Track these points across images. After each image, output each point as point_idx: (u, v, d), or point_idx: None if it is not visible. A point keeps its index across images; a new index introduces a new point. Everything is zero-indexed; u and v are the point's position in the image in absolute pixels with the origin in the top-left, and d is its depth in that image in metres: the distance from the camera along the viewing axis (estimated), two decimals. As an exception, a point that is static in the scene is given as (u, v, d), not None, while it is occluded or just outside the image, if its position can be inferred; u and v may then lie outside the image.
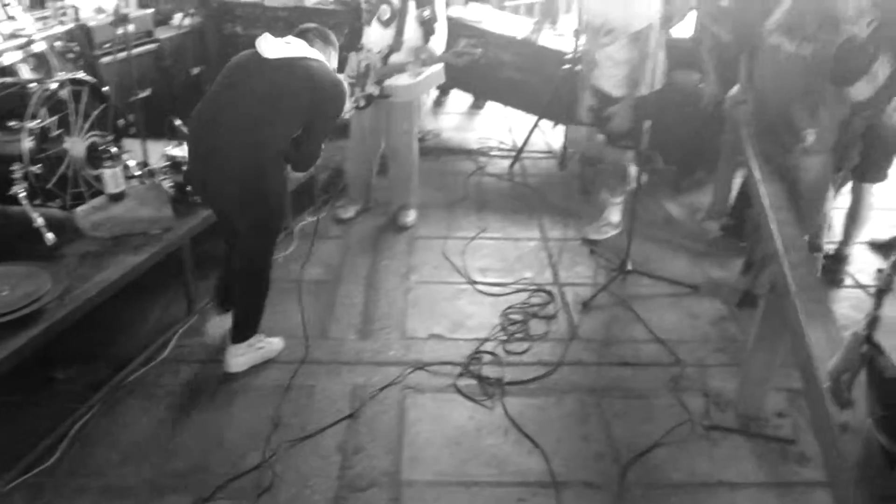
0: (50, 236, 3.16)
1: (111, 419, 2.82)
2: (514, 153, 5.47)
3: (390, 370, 3.16)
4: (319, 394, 3.01)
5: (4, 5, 3.78)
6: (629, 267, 3.85)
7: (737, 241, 4.17)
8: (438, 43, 3.97)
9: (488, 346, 3.34)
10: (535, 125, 5.41)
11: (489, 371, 3.18)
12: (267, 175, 2.87)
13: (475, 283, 3.87)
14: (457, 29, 5.48)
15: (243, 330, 3.08)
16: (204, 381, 3.06)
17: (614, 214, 4.35)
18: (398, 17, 3.89)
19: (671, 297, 3.77)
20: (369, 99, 4.01)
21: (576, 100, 4.40)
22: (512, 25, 5.55)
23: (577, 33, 4.81)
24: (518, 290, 3.80)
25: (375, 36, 3.97)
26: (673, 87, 4.81)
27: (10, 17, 3.78)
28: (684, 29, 5.28)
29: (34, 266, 2.91)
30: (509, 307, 3.64)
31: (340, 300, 3.68)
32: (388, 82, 3.98)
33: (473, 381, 3.11)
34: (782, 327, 2.55)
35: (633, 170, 4.07)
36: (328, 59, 3.05)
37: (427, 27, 3.93)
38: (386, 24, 3.93)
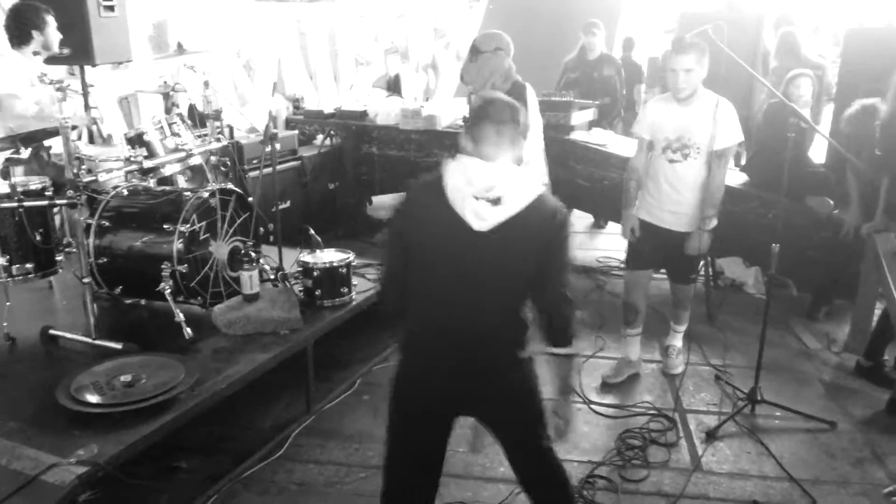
0: (188, 331, 3.40)
1: (225, 512, 2.89)
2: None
3: (499, 487, 3.07)
4: None
5: (171, 124, 4.24)
6: (759, 397, 3.62)
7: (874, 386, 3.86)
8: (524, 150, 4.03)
9: (603, 471, 3.19)
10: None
11: (603, 498, 3.02)
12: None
13: (591, 402, 3.76)
14: (580, 151, 5.66)
15: None
16: (315, 483, 3.08)
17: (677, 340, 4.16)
18: None
19: (805, 433, 3.49)
20: None
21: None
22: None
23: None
24: (636, 414, 3.64)
25: None
26: (807, 213, 4.68)
27: (175, 134, 4.22)
28: (819, 154, 5.18)
29: (171, 358, 3.12)
30: (626, 431, 3.48)
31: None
32: None
33: (585, 506, 2.97)
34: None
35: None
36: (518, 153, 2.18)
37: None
38: None
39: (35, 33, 4.08)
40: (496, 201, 2.01)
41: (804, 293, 4.86)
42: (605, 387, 3.96)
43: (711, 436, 3.44)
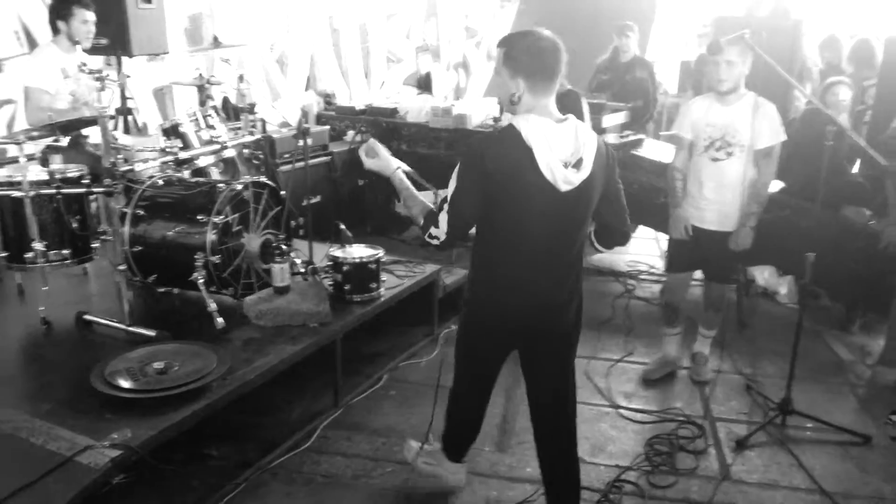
0: (220, 321, 3.42)
1: (254, 499, 2.90)
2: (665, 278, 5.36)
3: (525, 487, 3.05)
4: (452, 502, 2.95)
5: (205, 116, 4.28)
6: (791, 407, 3.57)
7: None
8: None
9: (630, 476, 3.16)
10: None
11: (629, 502, 3.00)
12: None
13: (619, 407, 3.73)
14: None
15: None
16: (342, 476, 3.09)
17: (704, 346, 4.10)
18: None
19: (838, 446, 3.43)
20: None
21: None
22: (666, 153, 5.58)
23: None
24: (665, 420, 3.61)
25: None
26: (842, 223, 4.61)
27: (210, 127, 4.26)
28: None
29: (203, 346, 3.14)
30: (655, 436, 3.45)
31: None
32: None
33: (610, 511, 2.94)
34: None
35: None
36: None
37: None
38: None
39: (60, 24, 4.15)
40: (578, 164, 2.25)
41: (837, 304, 4.79)
42: (646, 383, 4.00)
43: (741, 445, 3.40)
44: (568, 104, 3.96)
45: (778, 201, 4.90)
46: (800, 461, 3.29)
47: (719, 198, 3.67)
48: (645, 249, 6.18)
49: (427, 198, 2.43)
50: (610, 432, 3.51)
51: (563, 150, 2.23)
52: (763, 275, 5.23)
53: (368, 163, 2.49)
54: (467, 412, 2.87)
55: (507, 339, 2.55)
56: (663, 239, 5.87)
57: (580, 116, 3.98)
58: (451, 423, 2.92)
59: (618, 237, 2.58)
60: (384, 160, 2.48)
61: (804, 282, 3.56)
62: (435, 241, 2.30)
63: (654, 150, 5.65)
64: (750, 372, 4.12)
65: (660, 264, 5.81)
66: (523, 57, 2.26)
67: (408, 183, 2.45)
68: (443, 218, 2.26)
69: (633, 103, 6.18)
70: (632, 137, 5.72)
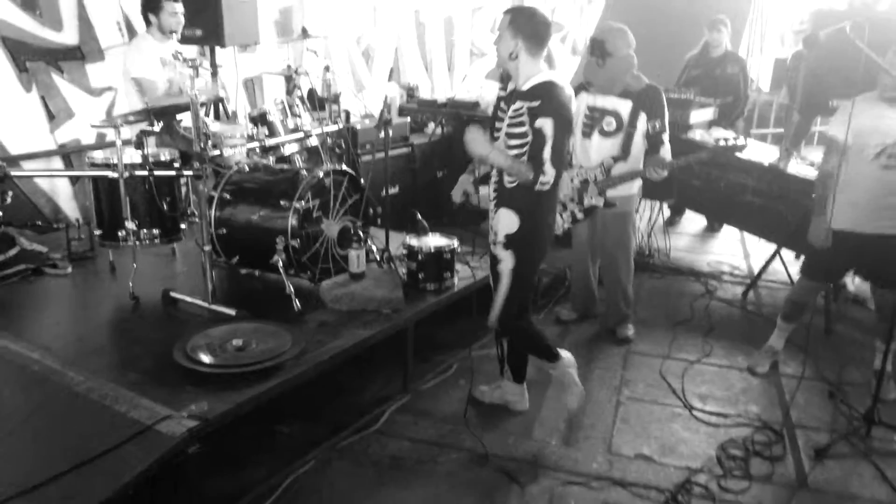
0: (297, 303, 3.53)
1: (321, 477, 2.98)
2: (749, 280, 5.18)
3: (591, 484, 3.02)
4: (516, 492, 2.95)
5: (292, 105, 4.40)
6: (877, 419, 3.39)
7: None
8: (667, 154, 3.93)
9: (701, 479, 3.08)
10: (776, 253, 5.10)
11: (697, 504, 2.93)
12: None
13: (693, 408, 3.64)
14: (697, 151, 5.45)
15: None
16: (408, 459, 3.14)
17: None
18: (626, 127, 3.92)
19: (927, 461, 3.25)
20: (590, 211, 4.03)
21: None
22: (756, 151, 5.38)
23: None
24: (740, 424, 3.49)
25: (596, 147, 4.00)
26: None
27: (296, 115, 4.38)
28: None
29: (280, 327, 3.25)
30: (729, 440, 3.35)
31: (548, 402, 3.63)
32: (611, 193, 4.00)
33: (678, 512, 2.88)
34: None
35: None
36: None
37: (655, 139, 3.92)
38: (609, 135, 3.98)
39: (151, 16, 4.36)
40: None
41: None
42: (752, 373, 3.99)
43: (821, 454, 3.25)
44: (648, 96, 3.89)
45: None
46: (884, 475, 3.13)
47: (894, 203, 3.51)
48: (728, 249, 5.98)
49: None
50: (682, 434, 3.42)
51: None
52: (854, 281, 4.99)
53: (471, 144, 2.95)
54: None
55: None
56: (750, 239, 5.69)
57: (660, 113, 3.90)
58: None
59: None
60: (483, 142, 2.96)
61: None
62: (546, 186, 2.91)
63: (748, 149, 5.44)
64: (834, 379, 3.94)
65: (744, 266, 5.62)
66: (525, 23, 2.94)
67: (507, 153, 2.97)
68: (548, 167, 2.86)
69: (722, 99, 5.98)
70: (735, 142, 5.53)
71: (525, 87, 2.98)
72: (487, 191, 3.24)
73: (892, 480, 3.08)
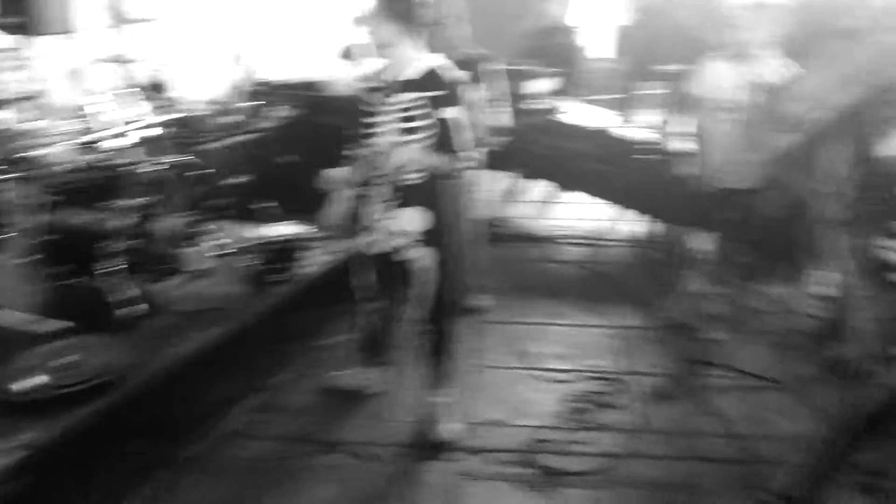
0: (136, 308, 3.36)
1: (177, 490, 2.85)
2: (590, 242, 5.47)
3: (449, 456, 3.10)
4: (378, 475, 2.99)
5: (126, 95, 4.13)
6: (706, 358, 3.69)
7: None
8: None
9: (551, 435, 3.24)
10: (615, 215, 5.39)
11: (551, 461, 3.07)
12: None
13: (539, 368, 3.80)
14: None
15: None
16: (267, 459, 3.07)
17: None
18: None
19: (752, 391, 3.56)
20: None
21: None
22: (594, 117, 5.63)
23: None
24: (585, 378, 3.70)
25: None
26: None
27: (130, 106, 4.11)
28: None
29: (115, 338, 3.09)
30: (576, 395, 3.54)
31: (403, 383, 3.66)
32: None
33: (532, 471, 3.01)
34: None
35: None
36: None
37: None
38: None
39: None
40: None
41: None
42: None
43: (658, 397, 3.50)
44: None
45: None
46: (714, 409, 3.40)
47: None
48: (570, 214, 6.19)
49: None
50: (531, 395, 3.55)
51: None
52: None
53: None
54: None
55: None
56: (592, 202, 5.92)
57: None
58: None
59: None
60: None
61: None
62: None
63: (580, 115, 5.67)
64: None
65: (585, 228, 5.86)
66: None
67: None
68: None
69: (556, 70, 6.17)
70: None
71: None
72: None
73: (721, 414, 3.36)
